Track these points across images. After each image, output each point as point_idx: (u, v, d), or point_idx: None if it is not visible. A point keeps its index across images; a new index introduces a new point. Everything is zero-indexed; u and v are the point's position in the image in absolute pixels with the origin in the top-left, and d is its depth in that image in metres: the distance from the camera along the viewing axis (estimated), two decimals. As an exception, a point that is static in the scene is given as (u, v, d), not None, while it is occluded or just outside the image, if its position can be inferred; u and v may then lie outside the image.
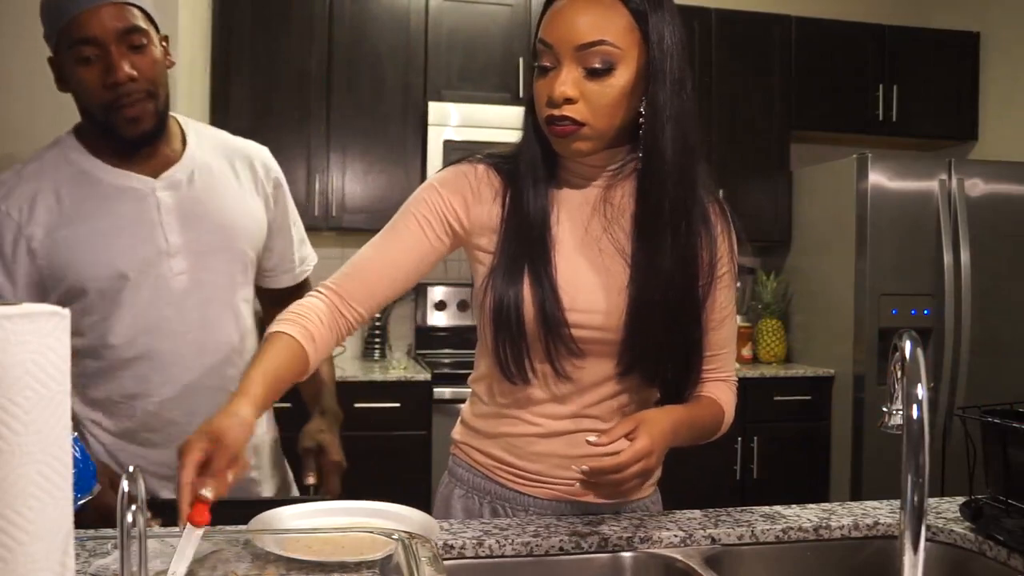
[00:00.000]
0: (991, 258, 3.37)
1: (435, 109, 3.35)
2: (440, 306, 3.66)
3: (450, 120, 3.35)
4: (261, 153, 1.54)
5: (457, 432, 1.33)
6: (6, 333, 0.55)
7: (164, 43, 1.37)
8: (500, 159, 1.23)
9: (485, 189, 1.20)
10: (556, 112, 1.09)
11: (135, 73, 1.28)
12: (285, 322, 1.12)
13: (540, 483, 1.23)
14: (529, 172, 1.18)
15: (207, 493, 0.89)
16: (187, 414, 1.35)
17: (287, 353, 1.09)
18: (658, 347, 1.17)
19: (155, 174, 1.37)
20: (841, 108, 3.84)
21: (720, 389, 1.26)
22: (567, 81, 1.08)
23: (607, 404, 1.21)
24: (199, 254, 1.39)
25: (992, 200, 3.41)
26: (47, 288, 1.33)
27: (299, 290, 1.56)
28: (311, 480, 1.44)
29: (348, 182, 3.38)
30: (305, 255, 1.62)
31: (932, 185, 3.37)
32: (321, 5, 3.35)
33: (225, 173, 1.45)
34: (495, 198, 1.20)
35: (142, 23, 1.30)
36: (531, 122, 1.18)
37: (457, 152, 3.31)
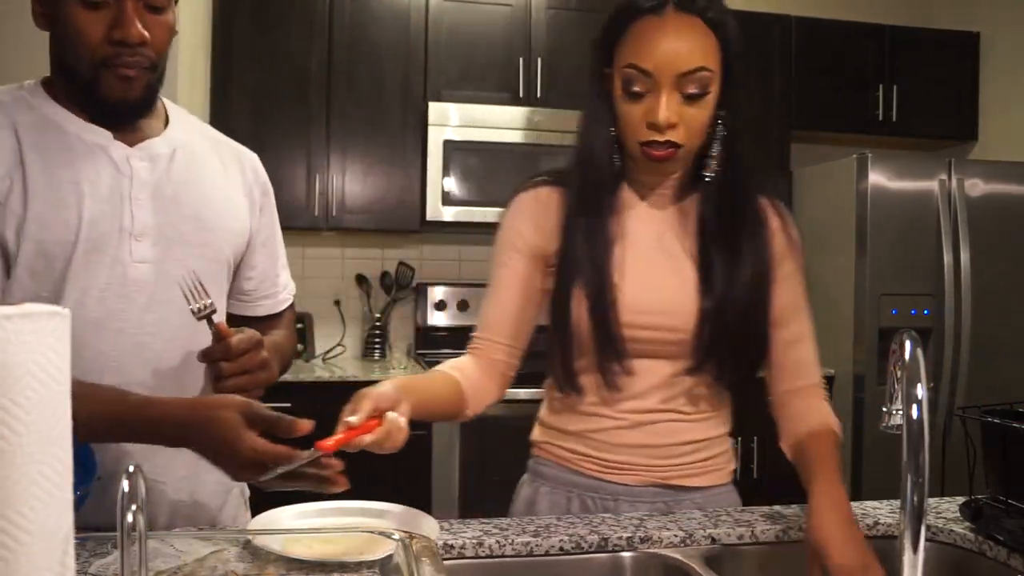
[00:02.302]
0: (991, 258, 3.37)
1: (435, 109, 3.35)
2: (440, 306, 3.66)
3: (450, 120, 3.35)
4: (251, 157, 1.37)
5: (536, 433, 1.36)
6: (7, 333, 0.55)
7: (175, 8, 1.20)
8: (558, 175, 1.27)
9: (551, 210, 1.24)
10: (660, 138, 1.12)
11: (147, 36, 1.10)
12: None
13: (628, 471, 1.26)
14: (594, 184, 1.22)
15: (352, 419, 0.96)
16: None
17: (430, 373, 1.20)
18: (729, 346, 1.20)
19: (131, 143, 1.18)
20: (841, 108, 3.84)
21: (817, 410, 1.21)
22: (671, 108, 1.11)
23: (687, 396, 1.25)
24: (169, 243, 1.18)
25: (992, 200, 3.41)
26: (6, 241, 1.11)
27: (278, 322, 1.40)
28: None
29: (348, 182, 3.38)
30: (287, 281, 1.42)
31: (932, 185, 3.36)
32: (321, 5, 3.35)
33: (210, 161, 1.28)
34: (558, 216, 1.24)
35: None
36: (598, 139, 1.20)
37: (458, 152, 3.31)
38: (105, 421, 1.05)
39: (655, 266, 1.21)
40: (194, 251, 1.21)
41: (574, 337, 1.21)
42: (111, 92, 1.12)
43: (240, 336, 1.13)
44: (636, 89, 1.13)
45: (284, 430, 1.03)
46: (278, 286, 1.39)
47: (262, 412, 1.04)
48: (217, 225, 1.24)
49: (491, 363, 1.25)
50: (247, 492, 1.40)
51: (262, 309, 1.38)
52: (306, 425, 1.02)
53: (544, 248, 1.24)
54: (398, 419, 0.99)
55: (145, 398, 1.09)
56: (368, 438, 0.96)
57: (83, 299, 1.13)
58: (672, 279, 1.21)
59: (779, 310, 1.23)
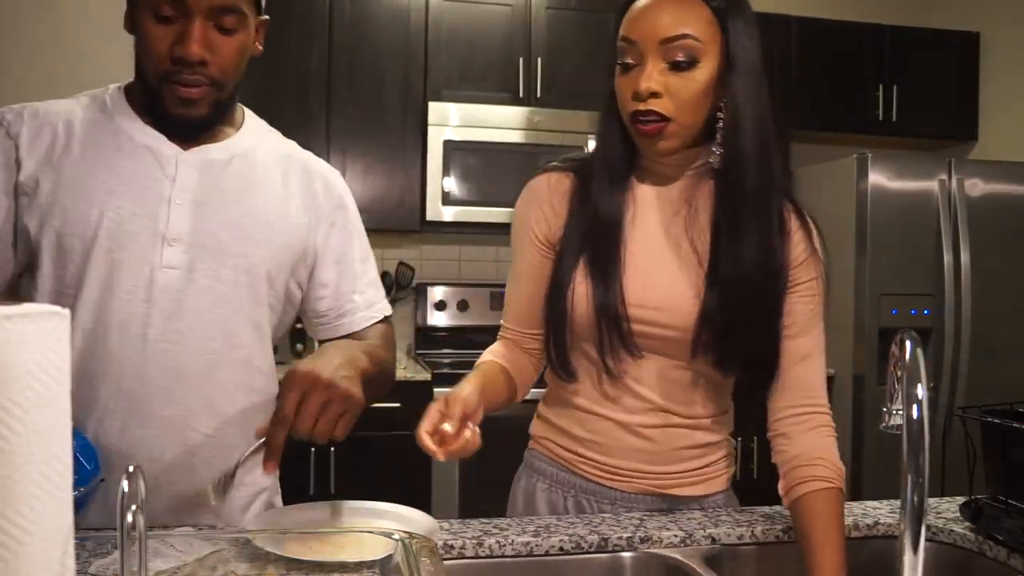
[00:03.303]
0: (991, 258, 3.37)
1: (435, 109, 3.35)
2: (440, 306, 3.66)
3: (450, 120, 3.35)
4: (327, 172, 1.36)
5: (535, 427, 1.35)
6: (7, 333, 0.55)
7: (260, 29, 1.20)
8: (572, 162, 1.27)
9: (559, 196, 1.24)
10: (642, 107, 1.10)
11: (207, 56, 1.11)
12: None
13: (626, 478, 1.25)
14: (604, 170, 1.20)
15: (447, 426, 0.99)
16: (131, 445, 1.11)
17: (491, 368, 1.22)
18: (730, 347, 1.17)
19: (186, 147, 1.19)
20: (841, 108, 3.84)
21: (819, 452, 1.16)
22: (652, 76, 1.10)
23: (686, 394, 1.22)
24: (203, 251, 1.16)
25: (992, 200, 3.41)
26: (26, 227, 1.12)
27: (365, 335, 1.34)
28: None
29: (348, 182, 3.32)
30: (373, 300, 1.35)
31: (932, 185, 3.36)
32: (321, 5, 3.35)
33: (269, 173, 1.26)
34: (566, 201, 1.23)
35: (244, 6, 1.13)
36: (610, 121, 1.19)
37: (458, 152, 3.31)
38: None
39: (658, 261, 1.19)
40: (227, 261, 1.18)
41: (569, 322, 1.20)
42: (173, 107, 1.14)
43: (281, 402, 1.03)
44: (626, 61, 1.12)
45: None
46: (356, 303, 1.33)
47: None
48: (259, 237, 1.21)
49: (522, 350, 1.28)
50: (279, 504, 1.36)
51: (341, 329, 1.33)
52: None
53: (553, 235, 1.24)
54: (476, 432, 1.04)
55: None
56: (456, 447, 1.01)
57: (108, 299, 1.13)
58: (675, 276, 1.18)
59: (790, 320, 1.18)
